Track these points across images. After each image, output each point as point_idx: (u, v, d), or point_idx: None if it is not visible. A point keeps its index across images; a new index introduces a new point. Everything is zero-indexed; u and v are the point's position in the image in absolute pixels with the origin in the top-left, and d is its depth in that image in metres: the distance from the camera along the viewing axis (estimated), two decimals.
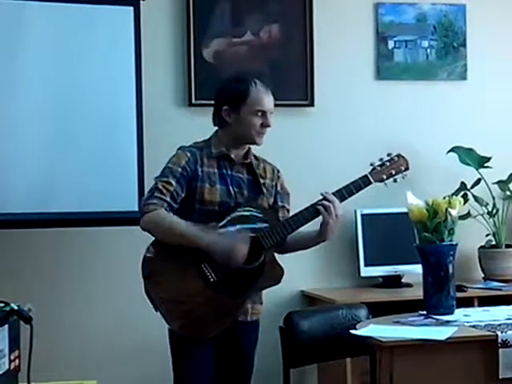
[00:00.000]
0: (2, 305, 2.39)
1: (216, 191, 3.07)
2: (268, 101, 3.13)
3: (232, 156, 3.13)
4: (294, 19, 4.37)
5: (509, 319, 3.06)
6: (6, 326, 2.32)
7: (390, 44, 4.54)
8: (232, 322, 3.04)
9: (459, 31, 4.62)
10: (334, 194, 3.13)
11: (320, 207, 3.08)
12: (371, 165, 3.21)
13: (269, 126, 3.12)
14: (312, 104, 4.39)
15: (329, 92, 4.42)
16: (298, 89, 4.38)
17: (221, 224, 3.03)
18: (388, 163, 3.21)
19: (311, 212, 3.11)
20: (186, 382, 3.06)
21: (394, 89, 4.54)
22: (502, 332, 2.84)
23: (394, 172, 3.21)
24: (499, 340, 2.81)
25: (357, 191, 3.15)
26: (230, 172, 3.12)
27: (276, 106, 4.28)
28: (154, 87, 4.12)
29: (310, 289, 4.35)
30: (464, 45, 4.62)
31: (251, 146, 3.20)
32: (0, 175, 3.77)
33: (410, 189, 3.35)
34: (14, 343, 2.36)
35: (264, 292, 4.32)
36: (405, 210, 3.29)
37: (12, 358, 2.36)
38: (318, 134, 4.41)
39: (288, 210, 3.23)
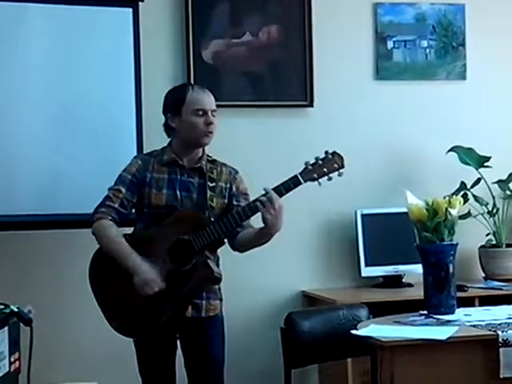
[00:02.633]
0: (2, 307, 2.39)
1: (162, 196, 3.24)
2: (207, 100, 3.26)
3: (182, 162, 3.27)
4: (293, 20, 4.37)
5: (509, 318, 3.06)
6: (6, 328, 2.32)
7: (389, 44, 4.53)
8: (166, 320, 3.15)
9: (458, 31, 4.62)
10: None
11: (258, 203, 3.14)
12: (305, 163, 3.19)
13: (211, 123, 3.23)
14: (311, 104, 4.39)
15: (328, 92, 4.42)
16: (297, 89, 4.38)
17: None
18: (321, 161, 3.19)
19: (251, 208, 3.16)
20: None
21: (394, 89, 4.54)
22: (502, 331, 2.84)
23: (326, 170, 3.18)
24: (500, 339, 2.82)
25: (286, 192, 3.15)
26: (179, 177, 3.26)
27: (275, 106, 4.35)
28: (154, 88, 4.11)
29: (311, 289, 4.35)
30: (463, 44, 4.62)
31: (206, 151, 3.31)
32: (2, 177, 3.77)
33: (410, 189, 3.35)
34: (14, 345, 2.36)
35: (264, 292, 4.34)
36: (405, 209, 3.29)
37: (12, 360, 2.36)
38: (317, 134, 4.40)
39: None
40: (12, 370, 2.36)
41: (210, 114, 3.24)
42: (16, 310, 2.39)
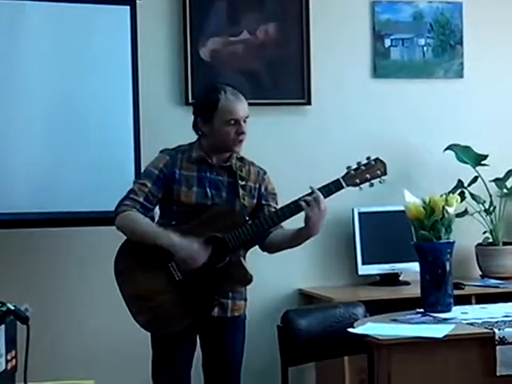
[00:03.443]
0: None
1: (192, 193, 3.17)
2: (240, 108, 3.18)
3: (211, 160, 3.21)
4: (291, 18, 4.36)
5: (506, 317, 3.07)
6: (3, 327, 2.32)
7: (387, 42, 4.53)
8: (194, 319, 3.11)
9: (456, 29, 4.62)
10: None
11: (302, 202, 3.09)
12: (347, 168, 3.18)
13: (243, 133, 3.18)
14: (309, 102, 4.39)
15: (326, 90, 4.42)
16: (294, 87, 4.37)
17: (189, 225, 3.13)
18: (364, 167, 3.18)
19: (293, 207, 3.12)
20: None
21: (391, 87, 4.54)
22: (499, 329, 2.85)
23: (369, 176, 3.17)
24: (496, 337, 2.82)
25: (328, 195, 3.14)
26: (208, 175, 3.21)
27: (273, 104, 4.35)
28: (151, 86, 4.11)
29: (308, 287, 4.35)
30: (461, 43, 4.62)
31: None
32: None
33: (407, 187, 3.36)
34: (10, 343, 2.36)
35: (261, 290, 4.34)
36: (402, 208, 3.30)
37: (9, 358, 2.35)
38: (315, 132, 4.41)
39: (275, 208, 3.26)
40: (9, 368, 2.35)
41: (242, 122, 3.17)
42: (13, 308, 2.38)
